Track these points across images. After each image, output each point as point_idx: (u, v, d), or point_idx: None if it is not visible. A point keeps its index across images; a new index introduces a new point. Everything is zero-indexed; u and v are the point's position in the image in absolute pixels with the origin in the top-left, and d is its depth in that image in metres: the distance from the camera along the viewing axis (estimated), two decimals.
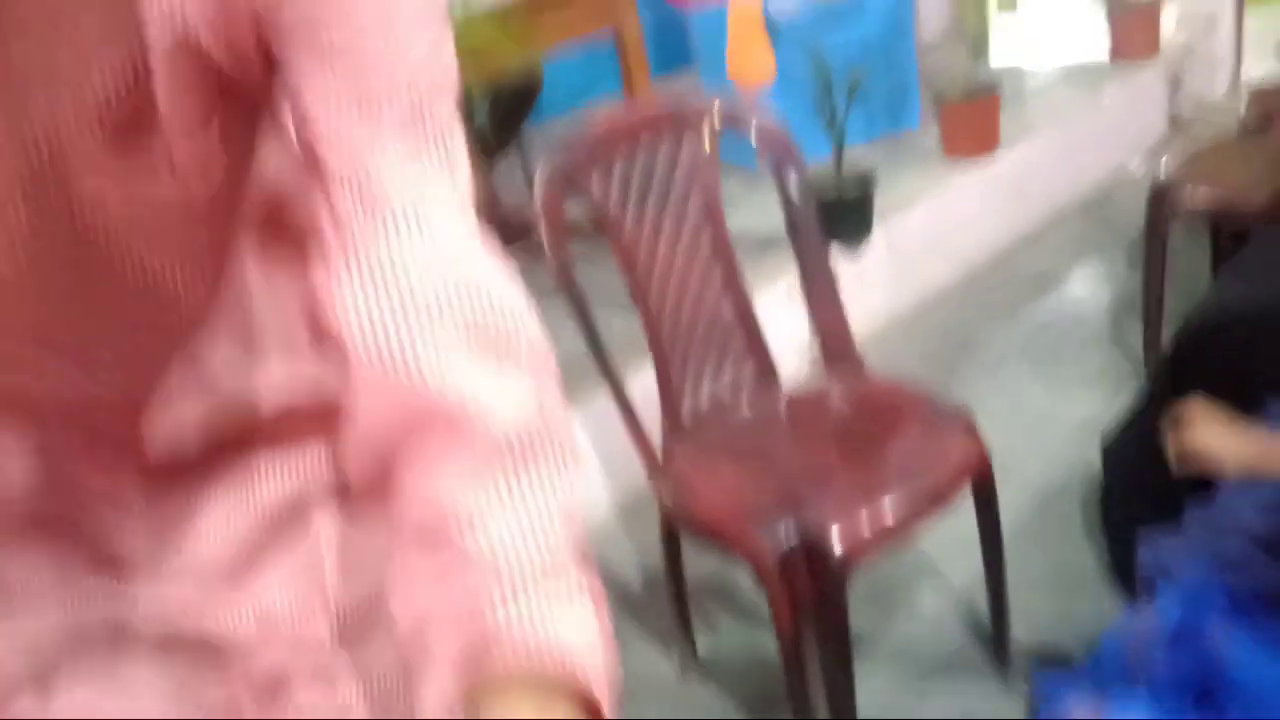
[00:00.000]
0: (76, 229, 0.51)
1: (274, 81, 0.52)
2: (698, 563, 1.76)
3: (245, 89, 0.52)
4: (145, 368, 0.56)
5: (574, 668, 0.47)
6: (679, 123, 1.57)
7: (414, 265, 0.50)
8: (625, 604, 2.00)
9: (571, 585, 0.48)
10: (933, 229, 2.89)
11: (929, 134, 3.15)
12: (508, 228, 2.35)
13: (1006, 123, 3.17)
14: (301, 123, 0.51)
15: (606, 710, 0.48)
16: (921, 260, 2.87)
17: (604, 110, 1.55)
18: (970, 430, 1.55)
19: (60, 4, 0.47)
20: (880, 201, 2.76)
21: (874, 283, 2.74)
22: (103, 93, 0.48)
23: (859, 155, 3.15)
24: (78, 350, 0.55)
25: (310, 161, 0.52)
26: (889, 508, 1.40)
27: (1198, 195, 2.20)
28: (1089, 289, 2.91)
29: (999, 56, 4.41)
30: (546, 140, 3.76)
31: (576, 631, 0.47)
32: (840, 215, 2.61)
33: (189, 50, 0.49)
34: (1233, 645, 0.95)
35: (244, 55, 0.50)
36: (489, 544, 0.47)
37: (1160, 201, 2.21)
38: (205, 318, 0.57)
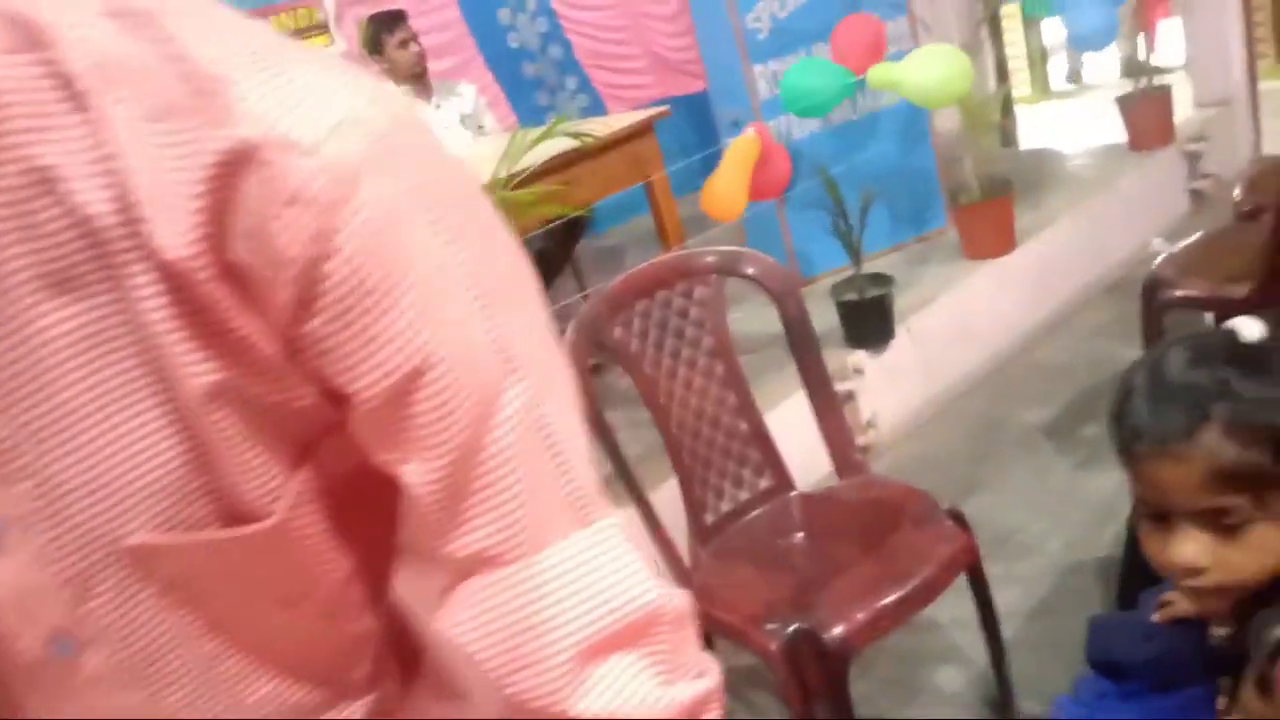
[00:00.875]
0: (159, 601, 0.52)
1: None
2: (742, 652, 1.97)
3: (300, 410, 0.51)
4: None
5: None
6: (686, 276, 1.84)
7: (535, 584, 0.52)
8: None
9: None
10: (956, 323, 3.09)
11: (954, 231, 3.37)
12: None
13: (1027, 212, 3.38)
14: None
15: None
16: (947, 353, 3.07)
17: (623, 274, 1.82)
18: (961, 526, 1.75)
19: (100, 413, 0.47)
20: (903, 301, 2.98)
21: (902, 377, 2.95)
22: (155, 486, 0.48)
23: (887, 259, 3.39)
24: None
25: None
26: (883, 600, 1.61)
27: (1188, 286, 2.38)
28: (1112, 370, 3.06)
29: (1029, 140, 4.63)
30: (598, 255, 4.09)
31: None
32: (862, 318, 2.84)
33: (238, 405, 0.48)
34: None
35: (294, 390, 0.50)
36: None
37: (1152, 294, 2.39)
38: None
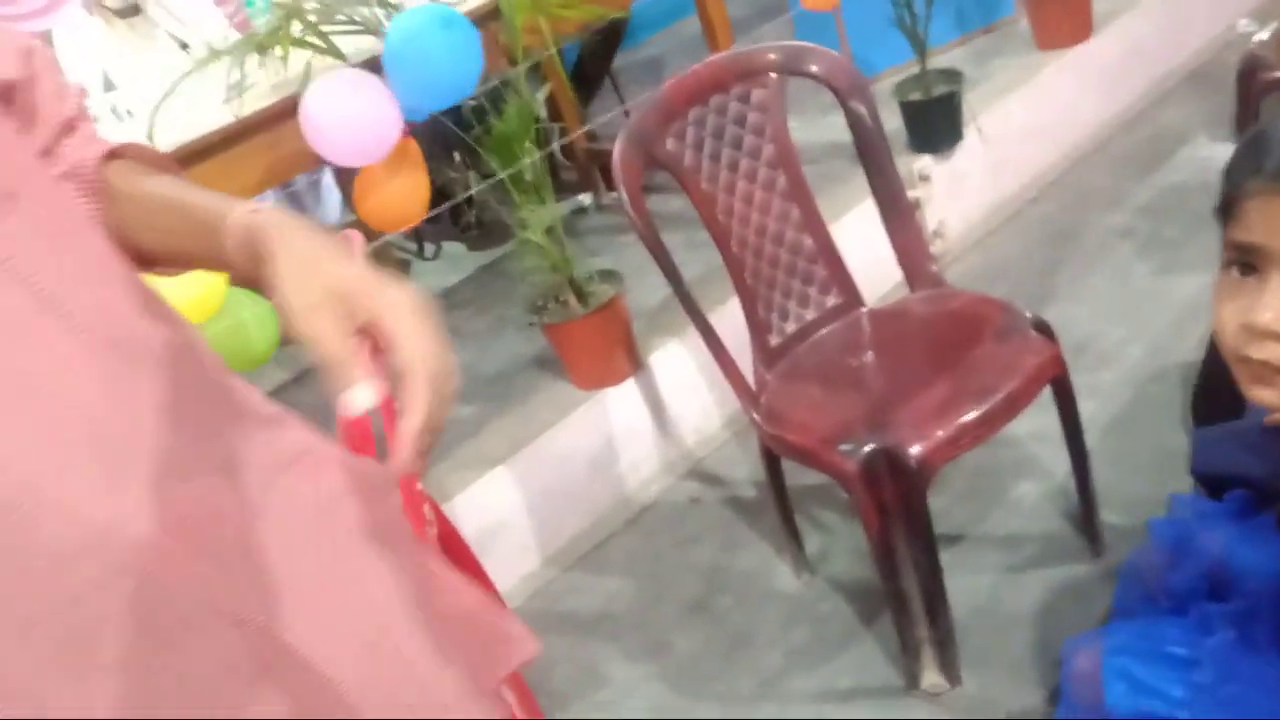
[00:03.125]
0: None
1: None
2: (807, 472, 1.92)
3: None
4: None
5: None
6: (743, 78, 1.68)
7: None
8: (743, 512, 2.19)
9: None
10: (1029, 121, 2.88)
11: (1024, 21, 3.11)
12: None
13: None
14: None
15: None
16: (1018, 154, 2.87)
17: (674, 78, 1.67)
18: (1046, 336, 1.64)
19: None
20: (972, 98, 2.77)
21: (971, 183, 2.78)
22: None
23: (951, 53, 3.15)
24: None
25: None
26: (965, 417, 1.52)
27: None
28: (1196, 165, 2.85)
29: None
30: (637, 68, 3.87)
31: None
32: (928, 118, 2.65)
33: None
34: (1228, 542, 1.06)
35: None
36: None
37: (1249, 76, 2.18)
38: None
